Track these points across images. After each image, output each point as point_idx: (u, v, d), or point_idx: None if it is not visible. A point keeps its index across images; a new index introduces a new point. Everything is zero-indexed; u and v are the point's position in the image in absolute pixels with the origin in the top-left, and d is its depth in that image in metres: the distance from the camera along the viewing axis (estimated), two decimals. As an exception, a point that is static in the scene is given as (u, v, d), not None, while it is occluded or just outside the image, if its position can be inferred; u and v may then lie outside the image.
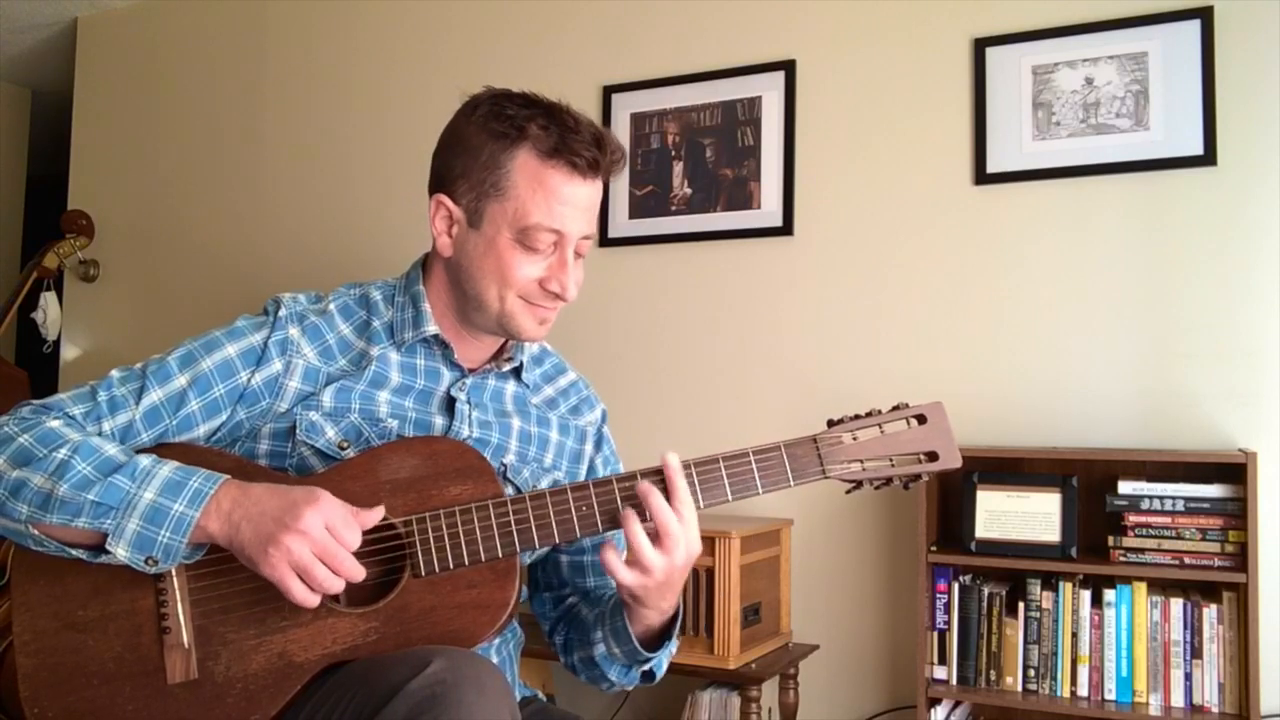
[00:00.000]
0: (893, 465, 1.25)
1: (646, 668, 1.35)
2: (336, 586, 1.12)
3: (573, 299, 1.31)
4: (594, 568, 1.45)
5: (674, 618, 1.31)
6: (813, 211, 2.55)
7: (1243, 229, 2.18)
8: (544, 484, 1.39)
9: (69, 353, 3.56)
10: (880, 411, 1.26)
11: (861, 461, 1.24)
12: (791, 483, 1.23)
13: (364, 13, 3.13)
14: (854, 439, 1.24)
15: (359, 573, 1.14)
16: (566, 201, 1.26)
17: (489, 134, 1.28)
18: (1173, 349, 2.22)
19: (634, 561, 1.19)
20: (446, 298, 1.36)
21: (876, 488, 1.26)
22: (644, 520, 1.19)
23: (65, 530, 1.14)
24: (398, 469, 1.23)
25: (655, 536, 1.18)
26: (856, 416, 1.26)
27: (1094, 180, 2.29)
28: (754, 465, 1.22)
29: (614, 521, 1.21)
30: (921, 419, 1.26)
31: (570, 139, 1.25)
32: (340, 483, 1.21)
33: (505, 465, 1.37)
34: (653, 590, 1.21)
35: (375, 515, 1.17)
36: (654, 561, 1.18)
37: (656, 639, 1.32)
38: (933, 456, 1.25)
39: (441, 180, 1.33)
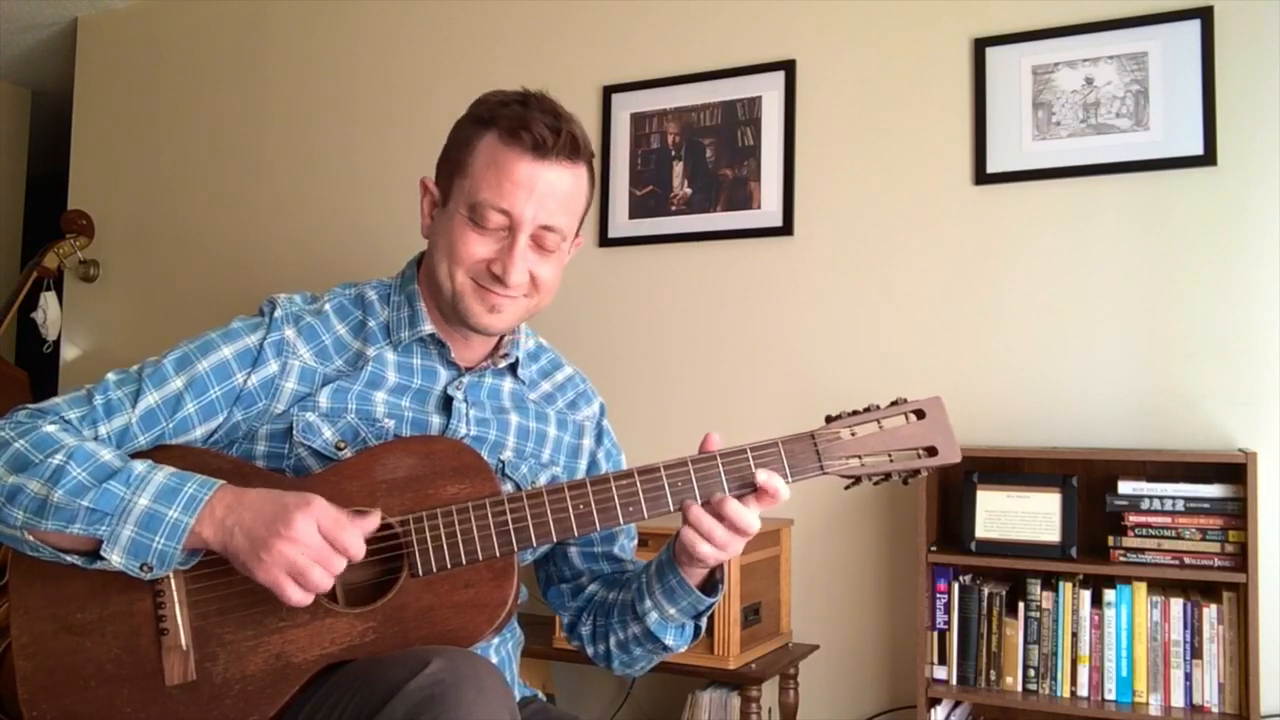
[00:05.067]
0: (891, 460, 1.24)
1: (702, 620, 1.37)
2: (326, 583, 1.12)
3: (514, 286, 1.29)
4: (606, 555, 1.45)
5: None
6: (813, 211, 2.55)
7: (1243, 229, 2.18)
8: (542, 479, 1.40)
9: (69, 353, 3.55)
10: (879, 407, 1.25)
11: (860, 457, 1.23)
12: (790, 479, 1.22)
13: (364, 13, 3.13)
14: (852, 435, 1.23)
15: (359, 555, 1.14)
16: (519, 182, 1.27)
17: (469, 119, 1.33)
18: (1173, 349, 2.22)
19: (741, 530, 1.23)
20: (434, 295, 1.36)
21: (875, 483, 1.25)
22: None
23: (60, 536, 1.14)
24: (394, 469, 1.22)
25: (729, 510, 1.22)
26: (855, 412, 1.24)
27: (1094, 180, 2.29)
28: (751, 462, 1.21)
29: (611, 520, 1.21)
30: (920, 414, 1.25)
31: (529, 117, 1.27)
32: (337, 483, 1.21)
33: (503, 461, 1.37)
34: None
35: (373, 521, 1.16)
36: (754, 524, 1.24)
37: (707, 585, 1.33)
38: (932, 451, 1.24)
39: (435, 169, 1.37)
